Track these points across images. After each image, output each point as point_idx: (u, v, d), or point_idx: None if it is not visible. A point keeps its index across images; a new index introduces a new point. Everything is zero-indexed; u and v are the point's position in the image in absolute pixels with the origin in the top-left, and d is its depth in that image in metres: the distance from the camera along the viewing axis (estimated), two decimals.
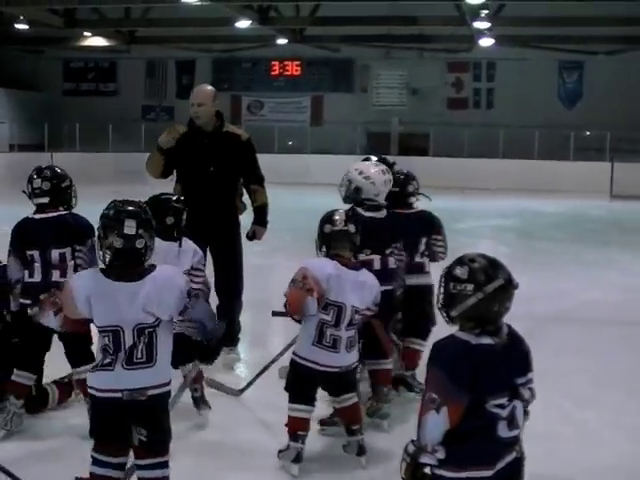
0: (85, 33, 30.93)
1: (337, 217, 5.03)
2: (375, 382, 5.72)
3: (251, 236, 7.04)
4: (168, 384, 3.99)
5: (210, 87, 7.06)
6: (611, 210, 23.06)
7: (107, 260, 3.94)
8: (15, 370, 5.31)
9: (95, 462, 4.01)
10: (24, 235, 5.39)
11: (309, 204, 20.44)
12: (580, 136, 29.16)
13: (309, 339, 4.89)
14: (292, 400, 4.97)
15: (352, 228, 5.00)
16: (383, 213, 5.77)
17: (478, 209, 21.62)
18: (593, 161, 27.62)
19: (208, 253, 6.76)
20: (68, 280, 4.21)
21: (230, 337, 6.96)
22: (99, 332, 3.92)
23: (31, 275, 5.33)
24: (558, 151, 28.51)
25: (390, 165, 6.40)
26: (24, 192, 5.54)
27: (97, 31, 30.50)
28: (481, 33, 27.29)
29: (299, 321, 4.95)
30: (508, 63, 31.04)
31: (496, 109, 31.99)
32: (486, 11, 24.14)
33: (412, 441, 3.32)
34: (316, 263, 4.93)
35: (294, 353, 5.00)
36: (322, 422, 5.52)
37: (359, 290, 4.94)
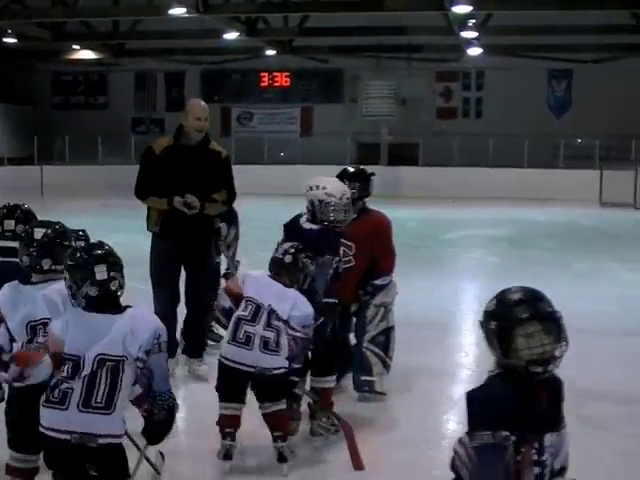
0: (74, 46, 30.93)
1: (282, 246, 5.26)
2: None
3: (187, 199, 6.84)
4: (120, 436, 3.80)
5: (204, 102, 7.20)
6: (601, 218, 23.09)
7: (83, 305, 3.84)
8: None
9: None
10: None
11: None
12: (570, 144, 29.23)
13: (227, 337, 5.11)
14: (220, 399, 5.10)
15: (288, 259, 5.16)
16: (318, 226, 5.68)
17: (468, 219, 21.62)
18: (583, 169, 27.66)
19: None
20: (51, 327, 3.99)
21: (199, 348, 7.17)
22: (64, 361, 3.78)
23: None
24: (548, 160, 28.60)
25: (368, 175, 6.43)
26: None
27: (86, 44, 30.50)
28: (469, 43, 27.35)
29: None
30: (497, 72, 31.10)
31: (485, 118, 32.05)
32: (473, 20, 24.19)
33: None
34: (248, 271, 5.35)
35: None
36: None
37: (280, 300, 5.06)
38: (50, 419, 3.76)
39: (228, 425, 5.09)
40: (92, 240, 4.00)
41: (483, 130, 30.10)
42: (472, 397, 3.25)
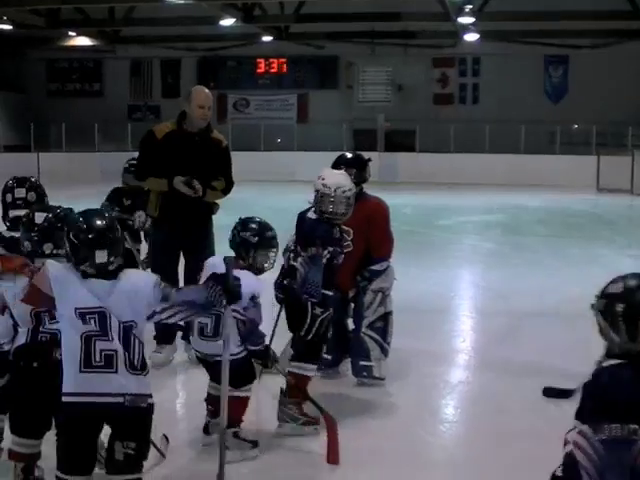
0: (69, 33, 30.86)
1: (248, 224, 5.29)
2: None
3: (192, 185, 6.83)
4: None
5: (208, 90, 7.17)
6: (597, 204, 23.12)
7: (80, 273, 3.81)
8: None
9: None
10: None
11: (294, 201, 20.40)
12: (566, 131, 29.24)
13: None
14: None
15: (229, 236, 5.27)
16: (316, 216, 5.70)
17: (464, 205, 21.64)
18: (579, 155, 27.67)
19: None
20: (46, 263, 3.96)
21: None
22: (81, 317, 3.72)
23: None
24: (544, 146, 28.61)
25: (365, 161, 6.45)
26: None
27: (81, 31, 30.43)
28: (466, 28, 27.33)
29: None
30: (493, 58, 31.09)
31: (482, 104, 32.03)
32: (470, 6, 24.19)
33: None
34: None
35: None
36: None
37: None
38: (99, 383, 3.73)
39: (209, 403, 5.20)
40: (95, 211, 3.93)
41: (479, 116, 30.10)
42: (591, 386, 3.13)
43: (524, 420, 5.83)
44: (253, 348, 5.08)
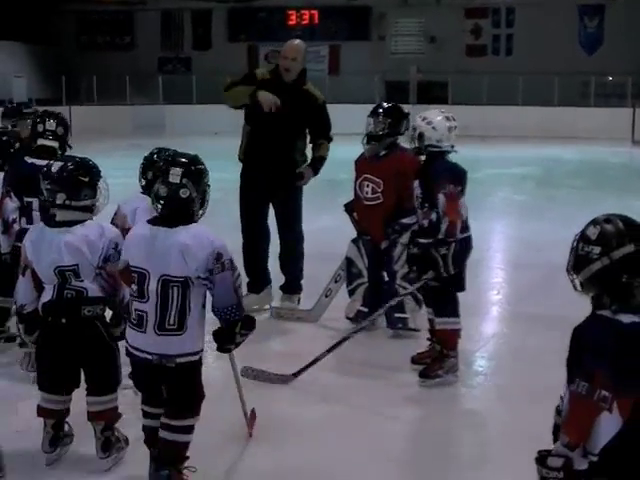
0: None
1: None
2: None
3: (298, 174, 6.99)
4: (197, 353, 3.91)
5: (301, 42, 7.23)
6: (632, 156, 22.85)
7: (158, 210, 3.89)
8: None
9: (143, 414, 4.10)
10: (25, 181, 5.22)
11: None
12: (601, 82, 28.85)
13: None
14: None
15: None
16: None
17: (497, 157, 21.46)
18: (614, 107, 27.33)
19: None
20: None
21: (293, 285, 7.20)
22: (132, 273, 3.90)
23: (29, 222, 5.27)
24: (578, 98, 28.27)
25: (403, 113, 6.38)
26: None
27: None
28: None
29: None
30: (527, 8, 30.65)
31: (515, 56, 31.65)
32: None
33: (549, 453, 2.90)
34: None
35: None
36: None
37: None
38: (133, 339, 3.91)
39: None
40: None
41: (513, 68, 29.74)
42: None
43: (558, 373, 5.82)
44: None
